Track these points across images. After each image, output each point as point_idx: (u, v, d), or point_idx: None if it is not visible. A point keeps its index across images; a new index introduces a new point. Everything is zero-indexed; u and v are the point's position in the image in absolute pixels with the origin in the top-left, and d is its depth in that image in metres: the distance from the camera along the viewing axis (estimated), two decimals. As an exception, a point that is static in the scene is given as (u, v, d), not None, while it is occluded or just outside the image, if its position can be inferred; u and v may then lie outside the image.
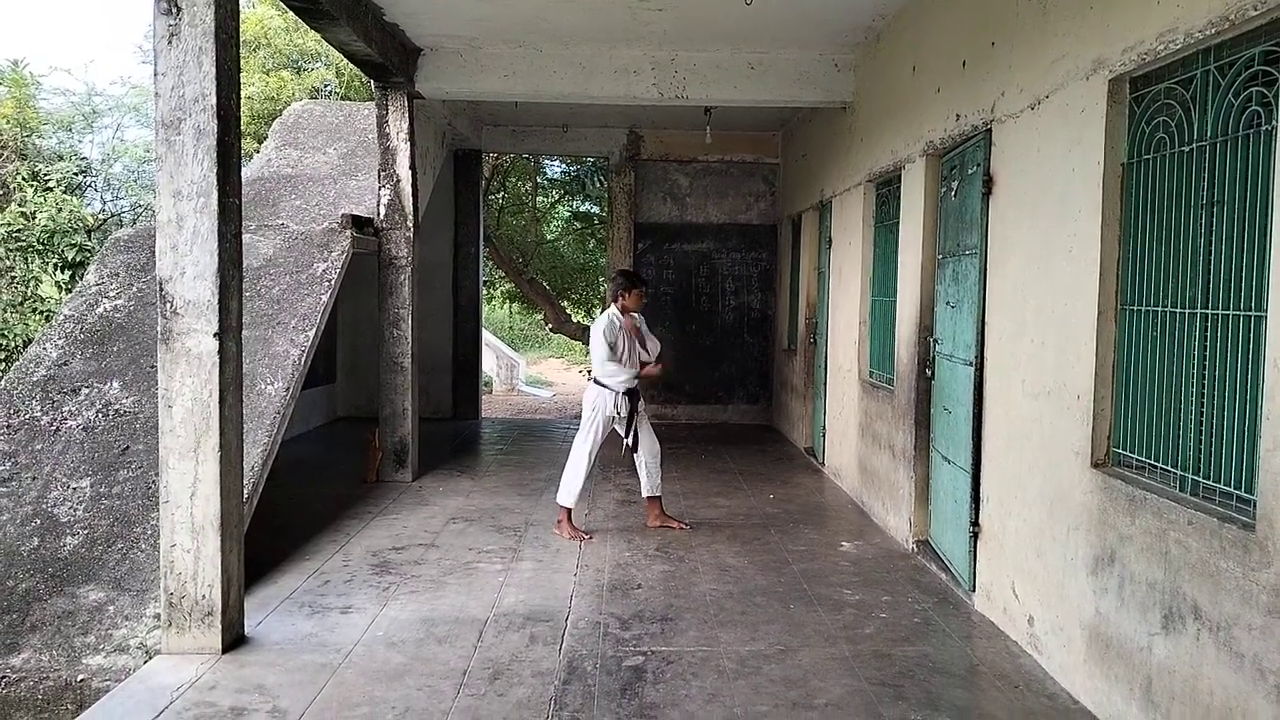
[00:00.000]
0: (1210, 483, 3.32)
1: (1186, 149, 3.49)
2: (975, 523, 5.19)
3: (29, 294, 12.99)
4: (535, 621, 4.93)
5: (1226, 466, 3.24)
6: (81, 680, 4.59)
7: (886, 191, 7.43)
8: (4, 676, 4.61)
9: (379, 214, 8.29)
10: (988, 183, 5.13)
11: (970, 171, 5.43)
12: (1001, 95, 4.98)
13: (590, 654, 4.51)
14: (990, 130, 5.12)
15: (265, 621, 4.87)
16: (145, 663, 4.41)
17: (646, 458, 6.77)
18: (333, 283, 7.28)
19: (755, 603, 5.25)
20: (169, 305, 4.34)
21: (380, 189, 8.31)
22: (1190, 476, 3.43)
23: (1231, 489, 3.20)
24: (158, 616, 4.69)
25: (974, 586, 5.21)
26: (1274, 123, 3.01)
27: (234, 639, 4.54)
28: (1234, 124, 3.24)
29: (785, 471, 9.15)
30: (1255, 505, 2.97)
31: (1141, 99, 3.81)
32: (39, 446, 5.84)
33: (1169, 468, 3.57)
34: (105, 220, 15.16)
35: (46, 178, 14.50)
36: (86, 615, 4.88)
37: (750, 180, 12.29)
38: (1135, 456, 3.80)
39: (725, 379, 12.42)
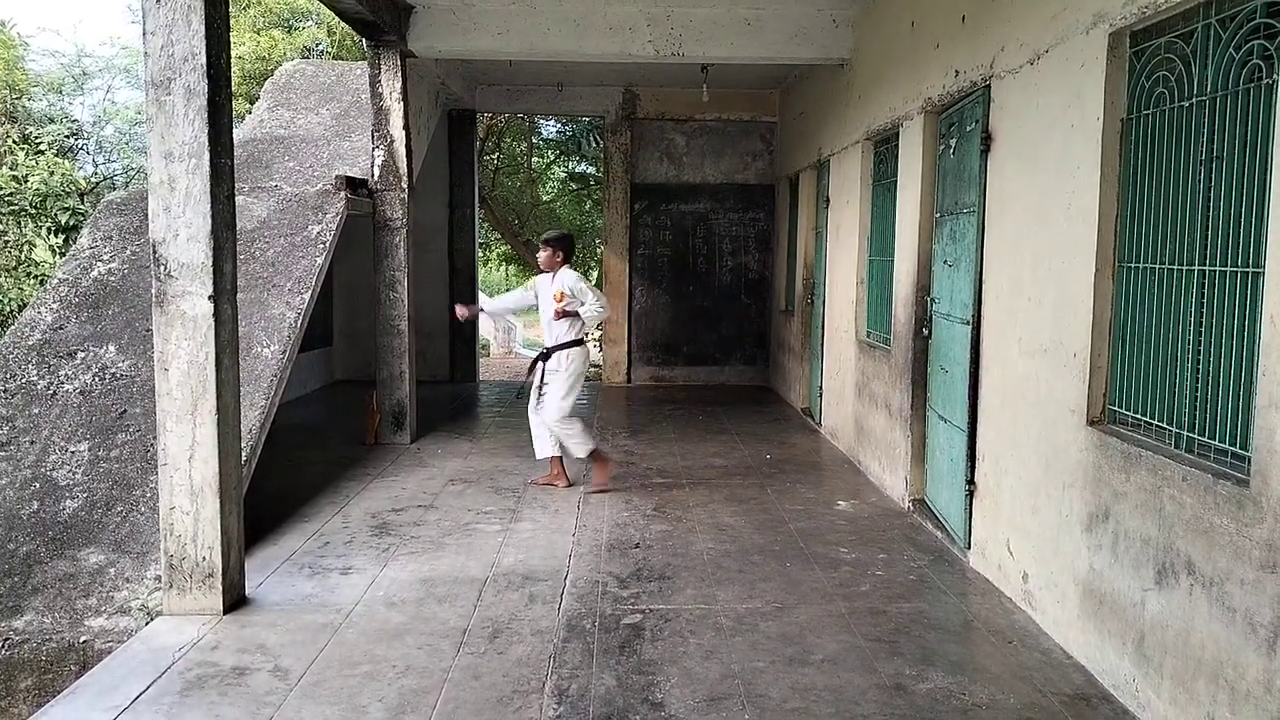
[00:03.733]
0: (1205, 440, 3.33)
1: (1186, 104, 3.46)
2: (971, 481, 5.22)
3: (23, 258, 12.93)
4: (534, 581, 4.97)
5: (1222, 423, 3.24)
6: (84, 641, 4.64)
7: (885, 150, 7.38)
8: (7, 639, 4.65)
9: (373, 175, 8.23)
10: (986, 140, 5.09)
11: (969, 129, 5.39)
12: (1001, 50, 4.92)
13: (589, 612, 4.55)
14: (989, 86, 5.07)
15: (266, 583, 4.90)
16: (147, 624, 4.45)
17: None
18: (328, 245, 7.24)
19: (752, 561, 5.29)
20: (163, 268, 4.32)
21: (374, 150, 8.24)
22: (1185, 434, 3.44)
23: (1226, 446, 3.21)
24: (158, 578, 4.72)
25: (969, 544, 5.25)
26: (1275, 76, 2.98)
27: (235, 600, 4.57)
28: (1234, 78, 3.20)
29: (782, 432, 9.18)
30: (1250, 462, 2.98)
31: (1142, 53, 3.76)
32: (36, 410, 5.84)
33: (1164, 425, 3.58)
34: (97, 183, 15.05)
35: (37, 141, 14.36)
36: (87, 578, 4.92)
37: (747, 139, 12.20)
38: (1131, 414, 3.81)
39: (722, 340, 12.42)
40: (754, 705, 3.62)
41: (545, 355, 6.69)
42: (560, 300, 6.58)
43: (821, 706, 3.62)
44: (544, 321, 6.76)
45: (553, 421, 6.63)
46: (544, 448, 6.83)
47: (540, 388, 6.68)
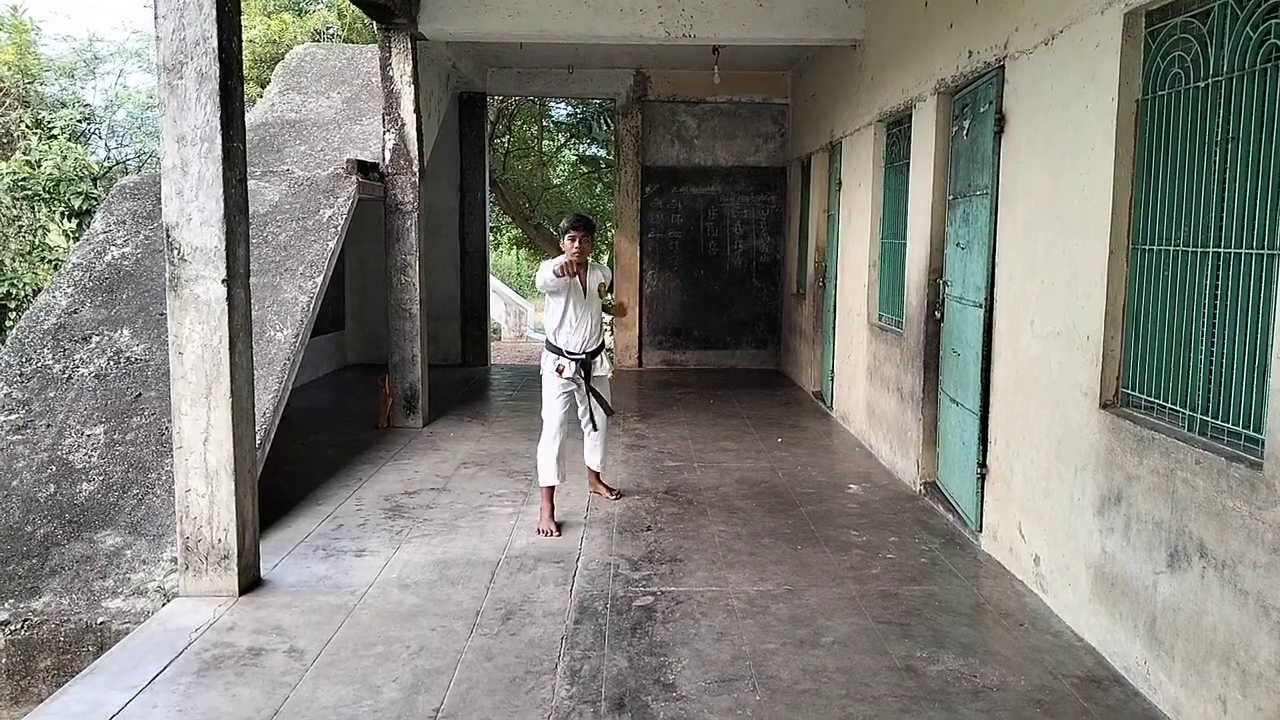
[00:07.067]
0: (1219, 422, 3.32)
1: (1202, 84, 3.42)
2: (983, 464, 5.21)
3: (36, 242, 12.98)
4: (546, 563, 4.99)
5: (1235, 406, 3.23)
6: (101, 623, 4.69)
7: (897, 132, 7.33)
8: (26, 620, 4.71)
9: (384, 159, 8.23)
10: (1000, 121, 5.06)
11: (982, 110, 5.35)
12: (1015, 30, 4.88)
13: (601, 594, 4.58)
14: (1003, 67, 5.03)
15: (281, 564, 4.94)
16: (163, 605, 4.49)
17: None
18: (339, 229, 7.26)
19: (763, 544, 5.31)
20: (176, 252, 4.33)
21: (385, 133, 8.24)
22: (1199, 416, 3.43)
23: (1240, 428, 3.20)
24: (174, 560, 4.76)
25: (981, 527, 5.25)
26: (1293, 56, 2.95)
27: (250, 581, 4.61)
28: (1251, 58, 3.17)
29: (793, 416, 9.18)
30: (1263, 444, 2.97)
31: (1157, 33, 3.73)
32: (52, 394, 5.88)
33: (1178, 408, 3.56)
34: (110, 168, 15.08)
35: (50, 125, 14.40)
36: (104, 560, 4.96)
37: (759, 121, 12.13)
38: (1144, 397, 3.79)
39: (733, 324, 12.40)
40: (765, 687, 3.64)
41: (585, 360, 5.68)
42: (604, 295, 5.70)
43: (832, 688, 3.64)
44: (576, 318, 5.63)
45: (606, 425, 5.99)
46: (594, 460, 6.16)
47: (586, 396, 5.80)
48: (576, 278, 5.55)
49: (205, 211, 4.31)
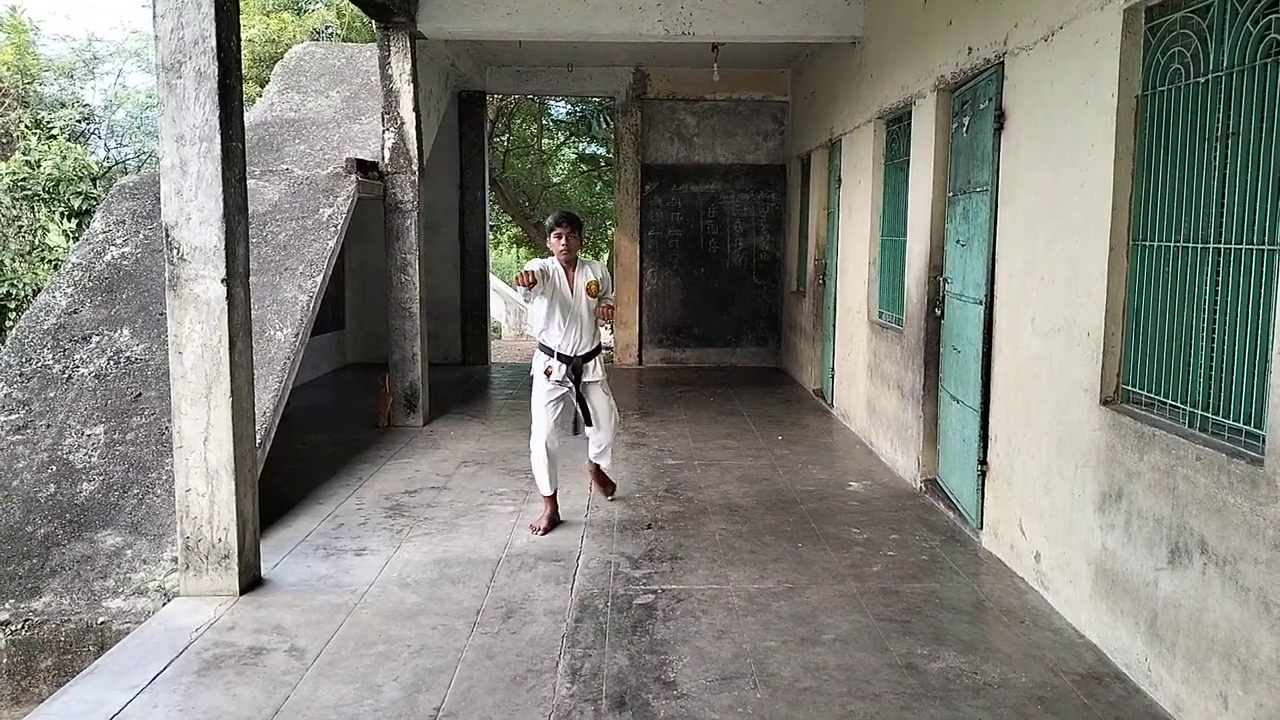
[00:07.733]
0: (1220, 418, 3.32)
1: (1202, 80, 3.42)
2: (983, 461, 5.21)
3: (36, 243, 12.98)
4: (547, 561, 4.99)
5: (1236, 402, 3.23)
6: (102, 623, 4.69)
7: (897, 129, 7.33)
8: (26, 620, 4.71)
9: (384, 158, 8.23)
10: (999, 118, 5.05)
11: (982, 107, 5.35)
12: (1015, 27, 4.88)
13: (601, 592, 4.57)
14: (1002, 63, 5.03)
15: (281, 564, 4.94)
16: (164, 605, 4.49)
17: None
18: (339, 228, 7.25)
19: (764, 542, 5.30)
20: (175, 251, 4.33)
21: (384, 132, 8.23)
22: (1199, 413, 3.42)
23: (1241, 425, 3.19)
24: (175, 560, 4.76)
25: (981, 524, 5.25)
26: (1293, 51, 2.95)
27: (251, 581, 4.61)
28: (1252, 53, 3.17)
29: (794, 413, 9.18)
30: (1264, 440, 2.96)
31: (1156, 29, 3.72)
32: (52, 394, 5.88)
33: (1178, 404, 3.56)
34: (110, 168, 15.09)
35: (49, 125, 14.39)
36: (105, 559, 4.96)
37: (759, 119, 12.13)
38: (1144, 393, 3.79)
39: (734, 322, 12.40)
40: (766, 685, 3.64)
41: (576, 364, 5.45)
42: (593, 294, 5.43)
43: (833, 686, 3.63)
44: (564, 320, 5.42)
45: (616, 427, 5.85)
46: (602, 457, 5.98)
47: (578, 401, 5.56)
48: (564, 278, 5.40)
49: (204, 211, 4.30)
